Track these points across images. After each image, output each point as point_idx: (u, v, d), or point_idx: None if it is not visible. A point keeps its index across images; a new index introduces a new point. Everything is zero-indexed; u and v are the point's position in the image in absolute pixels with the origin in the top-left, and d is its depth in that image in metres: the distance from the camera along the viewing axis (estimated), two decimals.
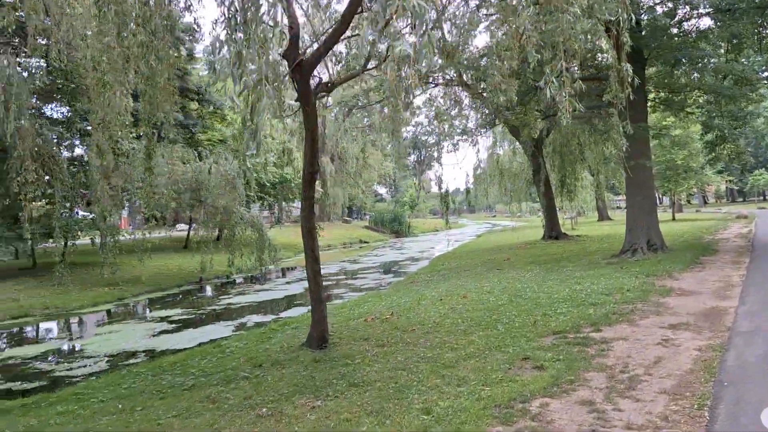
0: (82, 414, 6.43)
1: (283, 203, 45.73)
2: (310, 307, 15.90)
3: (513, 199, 33.25)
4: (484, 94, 21.34)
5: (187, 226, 35.41)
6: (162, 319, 15.33)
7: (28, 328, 15.30)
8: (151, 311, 17.36)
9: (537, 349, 7.18)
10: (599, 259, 17.34)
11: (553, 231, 28.14)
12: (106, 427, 5.80)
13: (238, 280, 25.24)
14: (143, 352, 11.26)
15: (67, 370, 10.27)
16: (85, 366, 10.32)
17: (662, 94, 18.98)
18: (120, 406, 6.48)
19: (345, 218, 64.52)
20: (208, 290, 22.49)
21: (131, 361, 10.37)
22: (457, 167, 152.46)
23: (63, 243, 24.38)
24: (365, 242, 52.21)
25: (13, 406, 7.63)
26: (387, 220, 62.33)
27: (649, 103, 20.23)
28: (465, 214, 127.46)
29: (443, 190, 31.48)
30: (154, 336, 12.85)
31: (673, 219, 39.79)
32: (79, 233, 22.85)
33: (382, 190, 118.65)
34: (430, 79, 24.14)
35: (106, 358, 10.84)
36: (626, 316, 8.79)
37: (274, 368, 7.46)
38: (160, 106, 8.49)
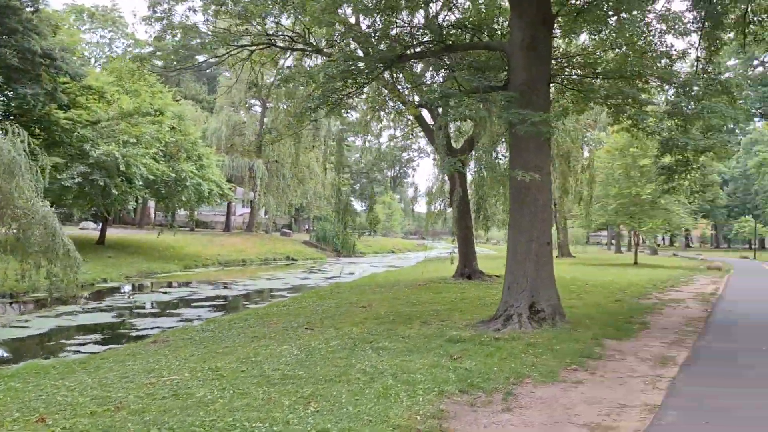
0: None
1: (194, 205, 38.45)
2: None
3: (428, 225, 26.97)
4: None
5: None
6: None
7: None
8: None
9: None
10: (462, 324, 10.95)
11: (466, 268, 21.76)
12: None
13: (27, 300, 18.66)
14: None
15: None
16: None
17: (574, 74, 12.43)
18: None
19: (284, 230, 57.91)
20: None
21: None
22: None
23: None
24: (293, 260, 45.62)
25: None
26: (330, 237, 55.86)
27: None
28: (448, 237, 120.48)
29: (342, 207, 25.41)
30: None
31: (635, 263, 33.58)
32: None
33: (358, 206, 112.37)
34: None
35: None
36: None
37: None
38: None
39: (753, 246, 67.59)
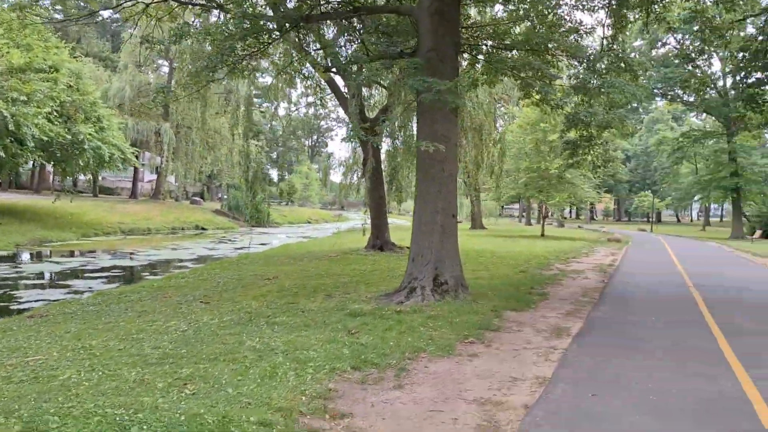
0: None
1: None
2: None
3: (342, 196, 26.61)
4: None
5: None
6: None
7: None
8: None
9: None
10: (367, 296, 10.73)
11: (378, 239, 21.62)
12: None
13: None
14: None
15: None
16: None
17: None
18: None
19: (194, 198, 55.83)
20: None
21: None
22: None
23: None
24: (203, 229, 44.13)
25: None
26: (242, 206, 54.33)
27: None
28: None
29: (251, 175, 24.56)
30: None
31: (542, 235, 34.76)
32: None
33: (275, 175, 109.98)
34: None
35: None
36: None
37: None
38: None
39: (650, 219, 71.86)
